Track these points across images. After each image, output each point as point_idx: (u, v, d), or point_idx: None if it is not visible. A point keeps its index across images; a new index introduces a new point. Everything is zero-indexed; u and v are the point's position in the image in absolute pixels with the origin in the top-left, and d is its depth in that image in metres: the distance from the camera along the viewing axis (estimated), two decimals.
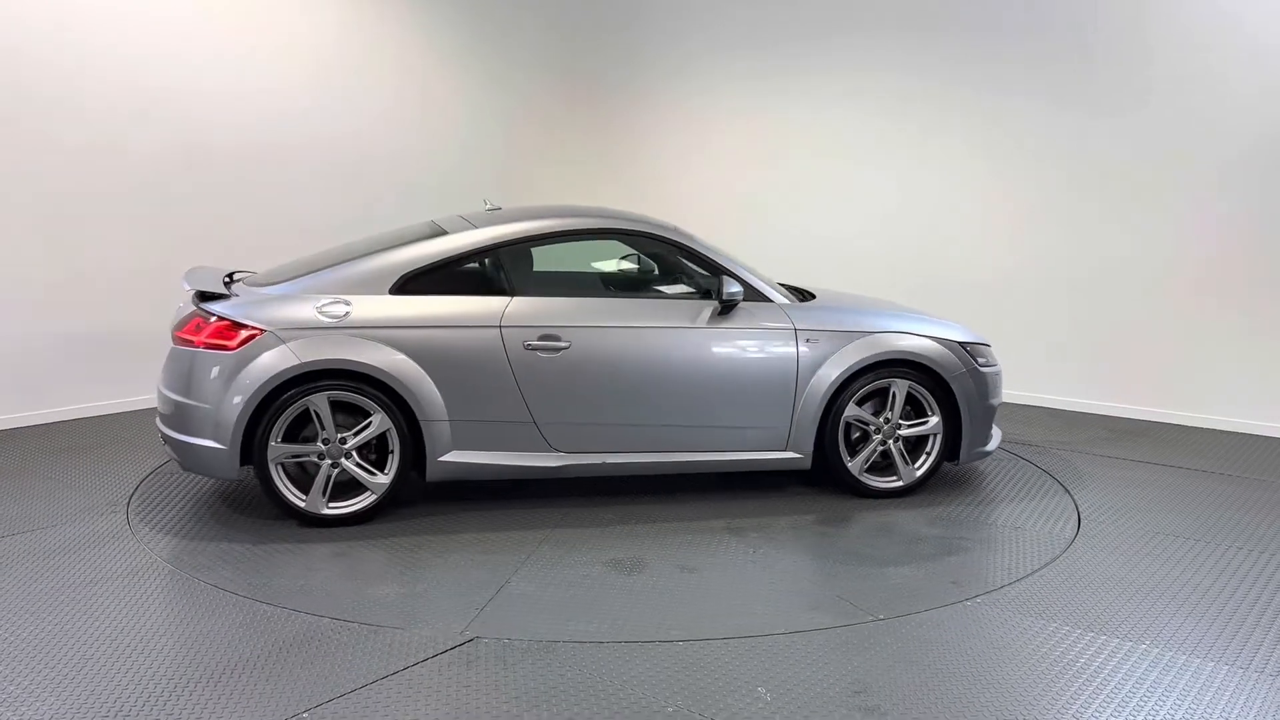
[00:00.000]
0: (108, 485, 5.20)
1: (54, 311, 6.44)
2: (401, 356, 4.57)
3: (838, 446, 5.13)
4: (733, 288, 4.97)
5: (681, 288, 5.32)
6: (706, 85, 9.18)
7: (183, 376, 4.56)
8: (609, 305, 5.03)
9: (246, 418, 4.44)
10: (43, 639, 3.46)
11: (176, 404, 4.57)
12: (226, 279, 4.94)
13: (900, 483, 5.24)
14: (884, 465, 5.26)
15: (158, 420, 4.80)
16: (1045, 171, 7.47)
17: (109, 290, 6.67)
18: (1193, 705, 3.15)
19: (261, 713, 3.00)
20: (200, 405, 4.48)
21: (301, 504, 4.56)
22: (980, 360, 5.33)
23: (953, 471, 5.69)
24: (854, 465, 5.16)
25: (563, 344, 4.78)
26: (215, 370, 4.46)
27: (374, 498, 4.64)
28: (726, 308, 5.00)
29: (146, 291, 6.74)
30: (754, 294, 5.12)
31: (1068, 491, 5.41)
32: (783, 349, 5.05)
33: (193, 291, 4.75)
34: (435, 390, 4.62)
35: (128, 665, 3.28)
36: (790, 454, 5.11)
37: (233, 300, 4.65)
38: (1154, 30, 6.92)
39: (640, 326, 4.93)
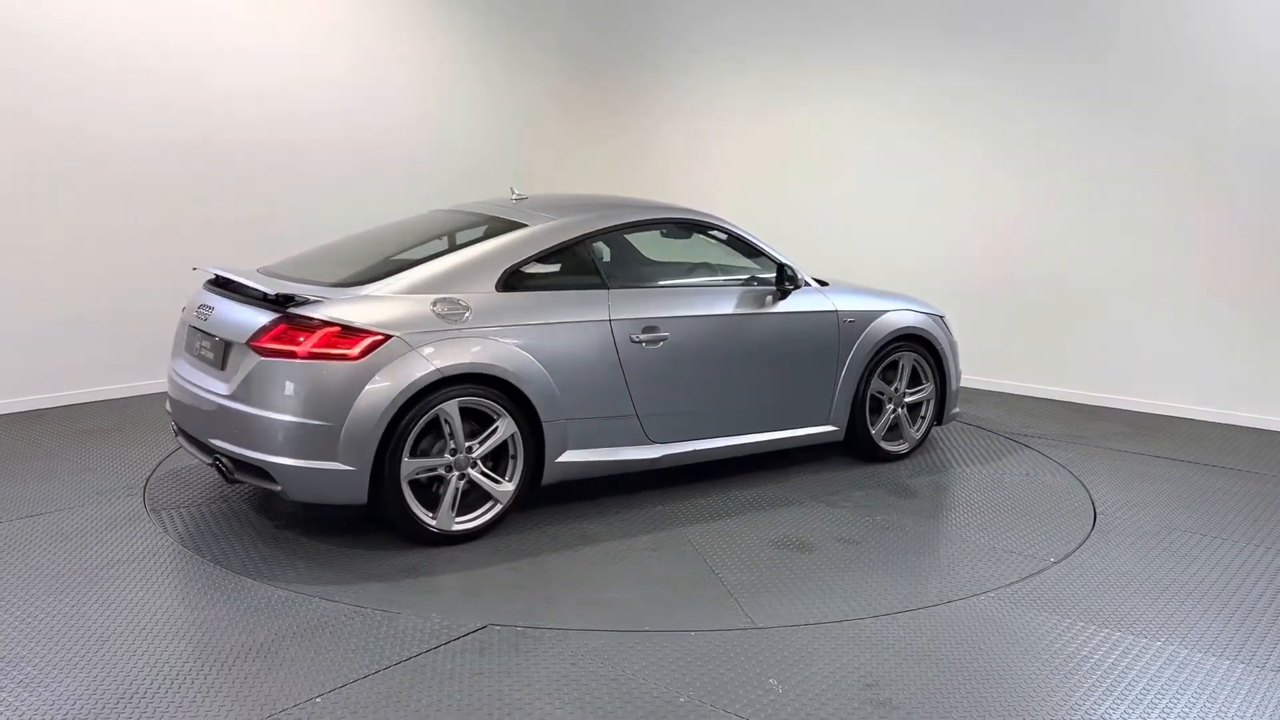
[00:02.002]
0: (126, 468, 5.24)
1: (76, 297, 6.49)
2: (527, 356, 4.35)
3: (865, 416, 5.58)
4: (796, 275, 5.31)
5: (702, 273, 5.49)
6: (722, 77, 9.14)
7: (287, 392, 3.95)
8: (693, 294, 5.12)
9: (381, 433, 4.00)
10: (60, 620, 3.49)
11: (278, 425, 3.96)
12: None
13: (906, 446, 5.80)
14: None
15: (220, 443, 4.15)
16: (1061, 169, 7.41)
17: (129, 278, 6.73)
18: (1207, 703, 3.13)
19: (275, 697, 3.02)
20: (319, 424, 3.94)
21: (433, 523, 4.21)
22: (951, 334, 5.98)
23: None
24: (876, 432, 5.65)
25: (663, 334, 4.81)
26: (336, 382, 3.94)
27: (500, 507, 4.37)
28: (785, 293, 5.26)
29: (165, 279, 6.79)
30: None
31: (1084, 486, 5.38)
32: (829, 329, 5.41)
33: (261, 294, 4.20)
34: (555, 389, 4.43)
35: (143, 647, 3.31)
36: (831, 427, 5.51)
37: (327, 304, 4.11)
38: (1170, 35, 6.85)
39: (726, 314, 5.08)
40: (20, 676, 3.11)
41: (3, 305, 6.20)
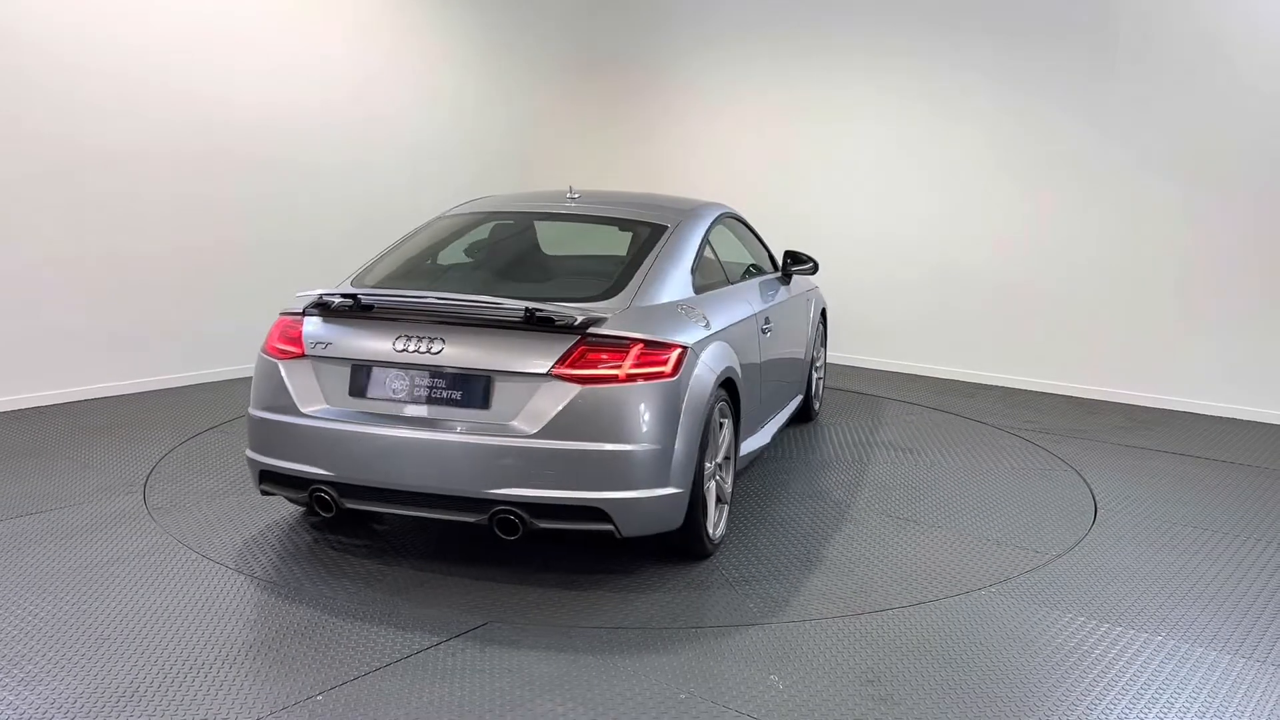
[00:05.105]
0: (126, 465, 5.24)
1: (75, 295, 6.48)
2: (738, 356, 4.38)
3: (811, 383, 6.33)
4: (810, 259, 5.79)
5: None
6: (727, 67, 9.12)
7: (621, 419, 3.64)
8: (763, 283, 5.38)
9: (700, 449, 3.88)
10: (61, 618, 3.49)
11: (617, 457, 3.63)
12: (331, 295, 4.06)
13: (818, 404, 6.64)
14: None
15: (516, 491, 3.63)
16: (1062, 166, 7.40)
17: (130, 276, 6.72)
18: (1208, 698, 3.13)
19: (276, 694, 3.02)
20: (655, 448, 3.69)
21: (714, 534, 4.13)
22: None
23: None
24: (815, 396, 6.50)
25: (771, 324, 5.10)
26: (662, 401, 3.73)
27: (727, 509, 4.31)
28: (789, 277, 5.78)
29: (166, 277, 6.85)
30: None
31: (1084, 480, 5.38)
32: (806, 307, 6.09)
33: (526, 314, 3.72)
34: (744, 386, 4.46)
35: (143, 645, 3.31)
36: (801, 395, 6.11)
37: (614, 320, 3.80)
38: (1176, 31, 6.83)
39: (787, 299, 5.58)
40: (21, 675, 3.11)
41: (2, 302, 6.19)
